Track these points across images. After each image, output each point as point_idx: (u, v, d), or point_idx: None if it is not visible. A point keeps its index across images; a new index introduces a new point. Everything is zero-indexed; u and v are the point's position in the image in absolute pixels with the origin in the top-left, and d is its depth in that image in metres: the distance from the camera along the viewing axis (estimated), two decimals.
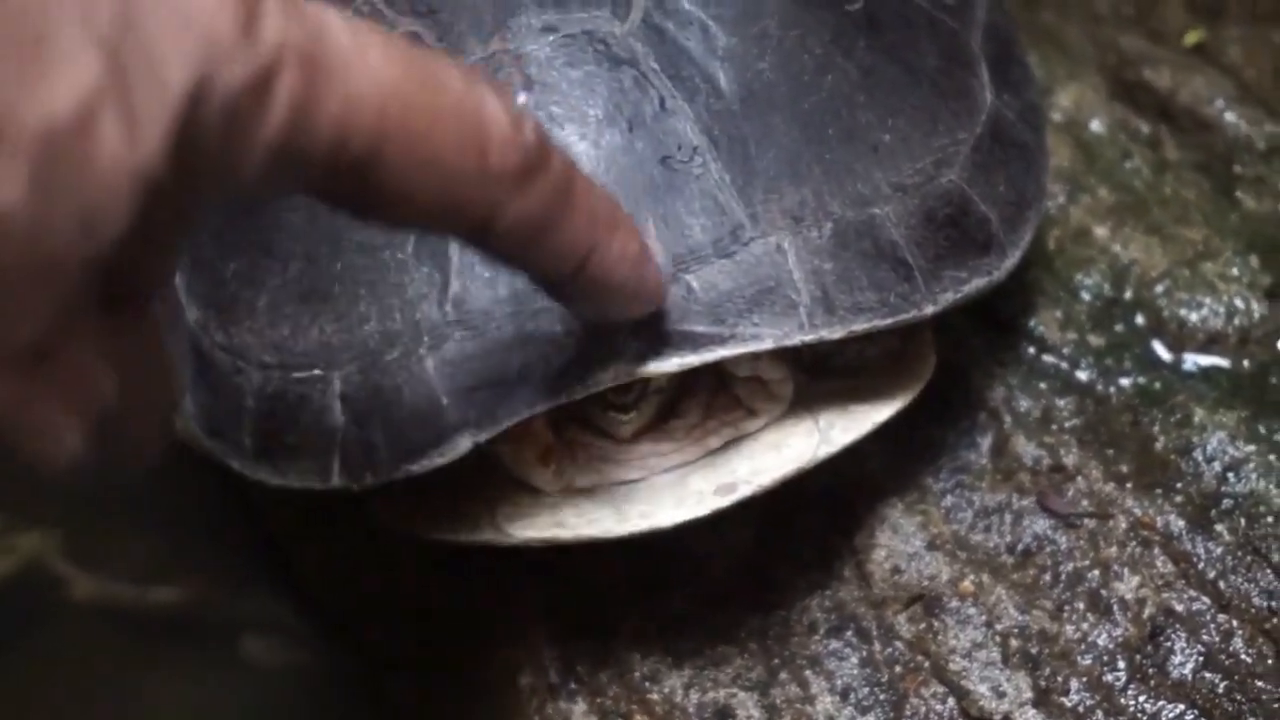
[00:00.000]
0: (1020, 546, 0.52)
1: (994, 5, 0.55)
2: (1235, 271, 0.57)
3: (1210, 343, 0.56)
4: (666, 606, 0.52)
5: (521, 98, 0.46)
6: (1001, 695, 0.49)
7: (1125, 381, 0.55)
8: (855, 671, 0.50)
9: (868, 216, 0.47)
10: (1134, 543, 0.52)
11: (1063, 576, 0.51)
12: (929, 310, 0.47)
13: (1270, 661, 0.49)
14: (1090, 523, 0.52)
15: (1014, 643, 0.50)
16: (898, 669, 0.50)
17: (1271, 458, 0.53)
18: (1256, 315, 0.57)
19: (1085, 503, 0.53)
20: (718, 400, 0.49)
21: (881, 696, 0.50)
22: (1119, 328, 0.57)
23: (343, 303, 0.46)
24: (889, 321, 0.46)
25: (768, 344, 0.45)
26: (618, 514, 0.48)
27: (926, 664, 0.50)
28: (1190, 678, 0.49)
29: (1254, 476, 0.52)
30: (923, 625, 0.51)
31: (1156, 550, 0.51)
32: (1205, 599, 0.50)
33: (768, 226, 0.46)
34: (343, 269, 0.46)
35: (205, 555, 0.58)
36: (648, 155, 0.46)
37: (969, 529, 0.53)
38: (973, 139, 0.50)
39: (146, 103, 0.27)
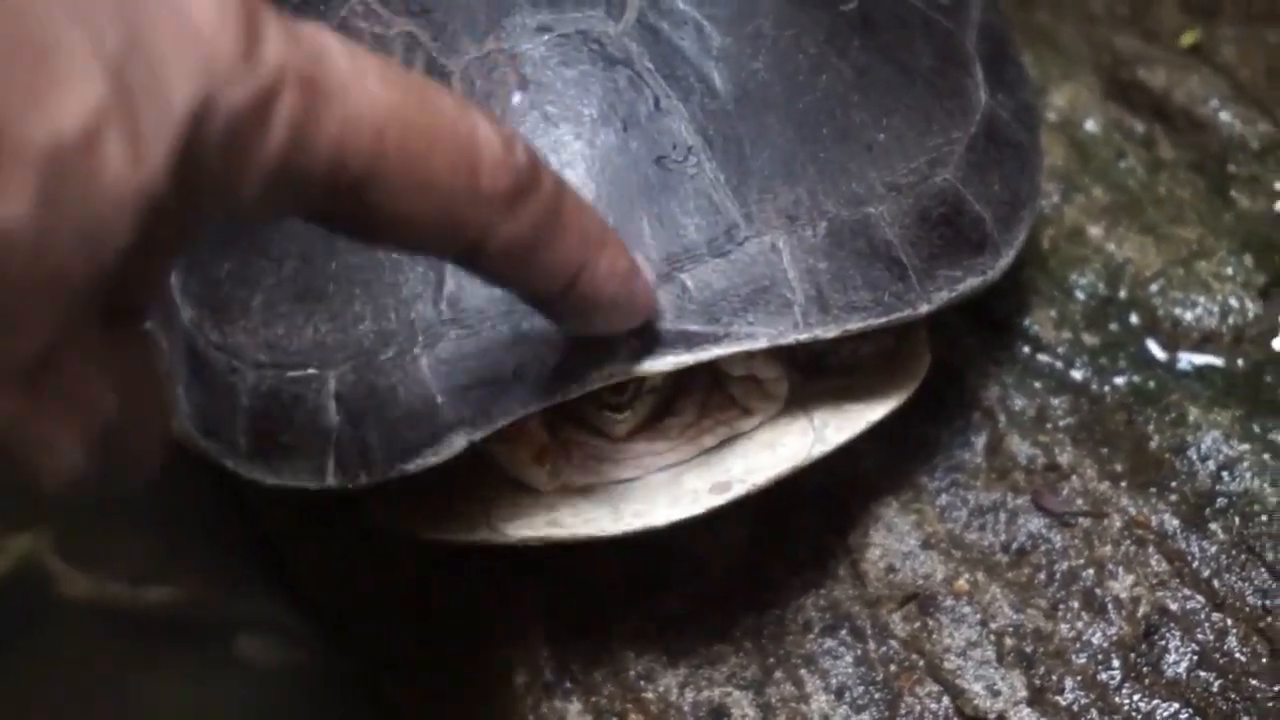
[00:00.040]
0: (1015, 545, 0.52)
1: (988, 5, 0.55)
2: (1229, 271, 0.57)
3: (1204, 342, 0.56)
4: (662, 605, 0.52)
5: (516, 97, 0.46)
6: (996, 694, 0.49)
7: (1120, 380, 0.55)
8: (850, 670, 0.50)
9: (862, 216, 0.47)
10: (1129, 541, 0.52)
11: (1057, 575, 0.51)
12: (923, 309, 0.47)
13: (1264, 660, 0.49)
14: (1085, 521, 0.52)
15: (1009, 641, 0.50)
16: (892, 668, 0.50)
17: (1266, 456, 0.53)
18: (1251, 314, 0.57)
19: (1080, 502, 0.53)
20: (713, 399, 0.49)
21: (876, 695, 0.50)
22: (1113, 327, 0.57)
23: (337, 302, 0.46)
24: (883, 320, 0.46)
25: (762, 343, 0.45)
26: (613, 513, 0.48)
27: (921, 663, 0.50)
28: (1185, 676, 0.49)
29: (1248, 475, 0.52)
30: (917, 624, 0.51)
31: (1151, 549, 0.52)
32: (1200, 598, 0.50)
33: (762, 226, 0.46)
34: (337, 268, 0.46)
35: (201, 555, 0.58)
36: (642, 155, 0.46)
37: (964, 528, 0.53)
38: (967, 138, 0.50)
39: (150, 121, 0.27)
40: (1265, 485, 0.52)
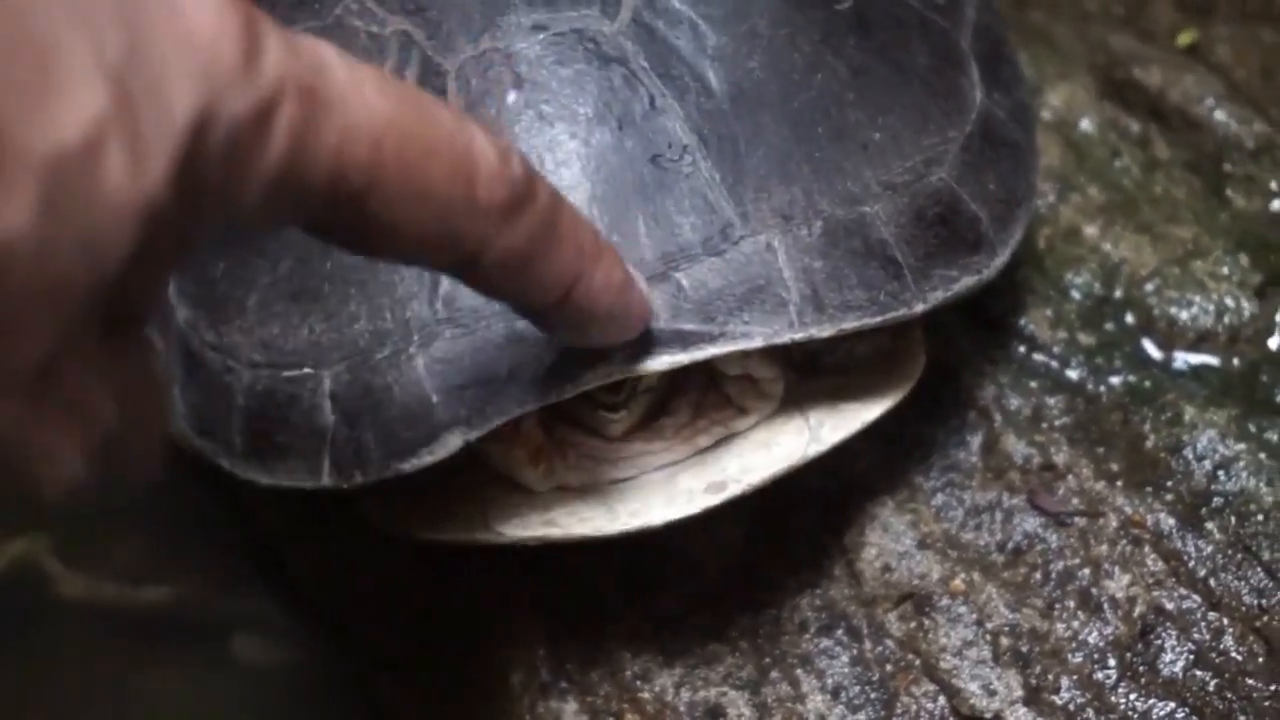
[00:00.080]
0: (1011, 545, 0.52)
1: (984, 4, 0.55)
2: (1225, 270, 0.57)
3: (1200, 341, 0.56)
4: (658, 605, 0.52)
5: (511, 96, 0.46)
6: (992, 693, 0.49)
7: (1115, 380, 0.55)
8: (846, 670, 0.50)
9: (857, 215, 0.47)
10: (1124, 541, 0.52)
11: (1053, 575, 0.51)
12: (919, 308, 0.47)
13: (1261, 659, 0.49)
14: (1081, 521, 0.52)
15: (1004, 641, 0.50)
16: (888, 667, 0.50)
17: (1262, 456, 0.53)
18: (1246, 314, 0.57)
19: (1076, 501, 0.53)
20: (708, 399, 0.49)
21: (872, 695, 0.50)
22: (1109, 326, 0.57)
23: (333, 301, 0.46)
24: (879, 320, 0.46)
25: (758, 342, 0.45)
26: (609, 513, 0.48)
27: (917, 662, 0.50)
28: (1181, 676, 0.49)
29: (1244, 474, 0.52)
30: (913, 624, 0.51)
31: (1147, 548, 0.52)
32: (1196, 597, 0.50)
33: (757, 225, 0.46)
34: (332, 268, 0.47)
35: (197, 555, 0.58)
36: (638, 154, 0.46)
37: (959, 527, 0.53)
38: (963, 138, 0.50)
39: (151, 131, 0.27)
40: (1261, 485, 0.52)
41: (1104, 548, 0.52)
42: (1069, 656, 0.50)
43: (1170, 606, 0.50)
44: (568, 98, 0.46)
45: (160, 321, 0.49)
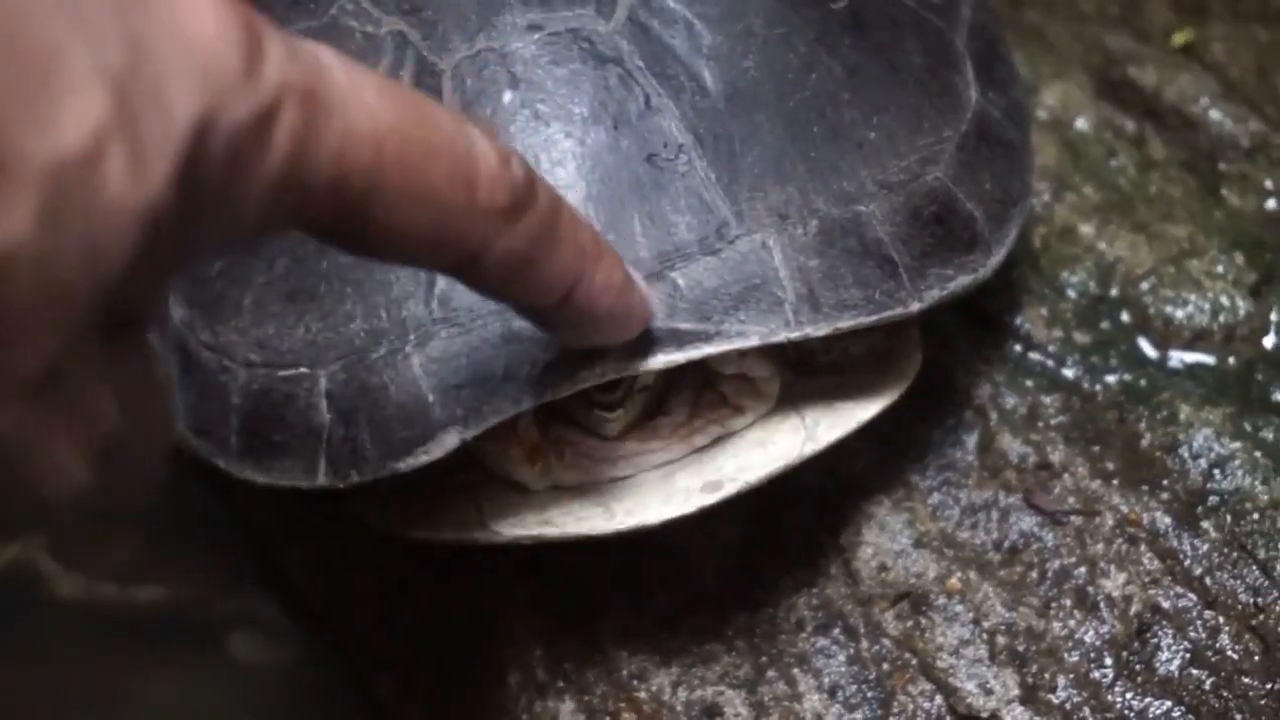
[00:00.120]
0: (1007, 544, 0.52)
1: (979, 4, 0.55)
2: (1220, 269, 0.57)
3: (1196, 340, 0.57)
4: (654, 604, 0.52)
5: (507, 96, 0.46)
6: (989, 692, 0.49)
7: (1111, 379, 0.55)
8: (843, 669, 0.50)
9: (853, 214, 0.47)
10: (1120, 540, 0.52)
11: (1049, 573, 0.51)
12: (914, 307, 0.47)
13: (1257, 658, 0.49)
14: (1077, 520, 0.52)
15: (1001, 640, 0.50)
16: (885, 666, 0.50)
17: (1257, 454, 0.53)
18: (1242, 312, 0.57)
19: (1072, 500, 0.53)
20: (704, 398, 0.49)
21: (869, 694, 0.50)
22: (1105, 325, 0.57)
23: (328, 301, 0.46)
24: (874, 319, 0.46)
25: (753, 341, 0.45)
26: (605, 512, 0.48)
27: (914, 661, 0.50)
28: (1177, 674, 0.49)
29: (1240, 473, 0.52)
30: (910, 623, 0.51)
31: (1143, 547, 0.52)
32: (1192, 596, 0.50)
33: (753, 224, 0.46)
34: (328, 267, 0.46)
35: (193, 554, 0.58)
36: (633, 153, 0.46)
37: (956, 526, 0.53)
38: (958, 137, 0.50)
39: (152, 138, 0.27)
40: (1257, 483, 0.52)
41: (1100, 546, 0.52)
42: (1065, 655, 0.50)
43: (1166, 605, 0.50)
44: (563, 97, 0.46)
45: (157, 322, 0.49)
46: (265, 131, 0.30)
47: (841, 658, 0.50)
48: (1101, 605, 0.50)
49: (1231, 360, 0.56)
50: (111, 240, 0.27)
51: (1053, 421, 0.54)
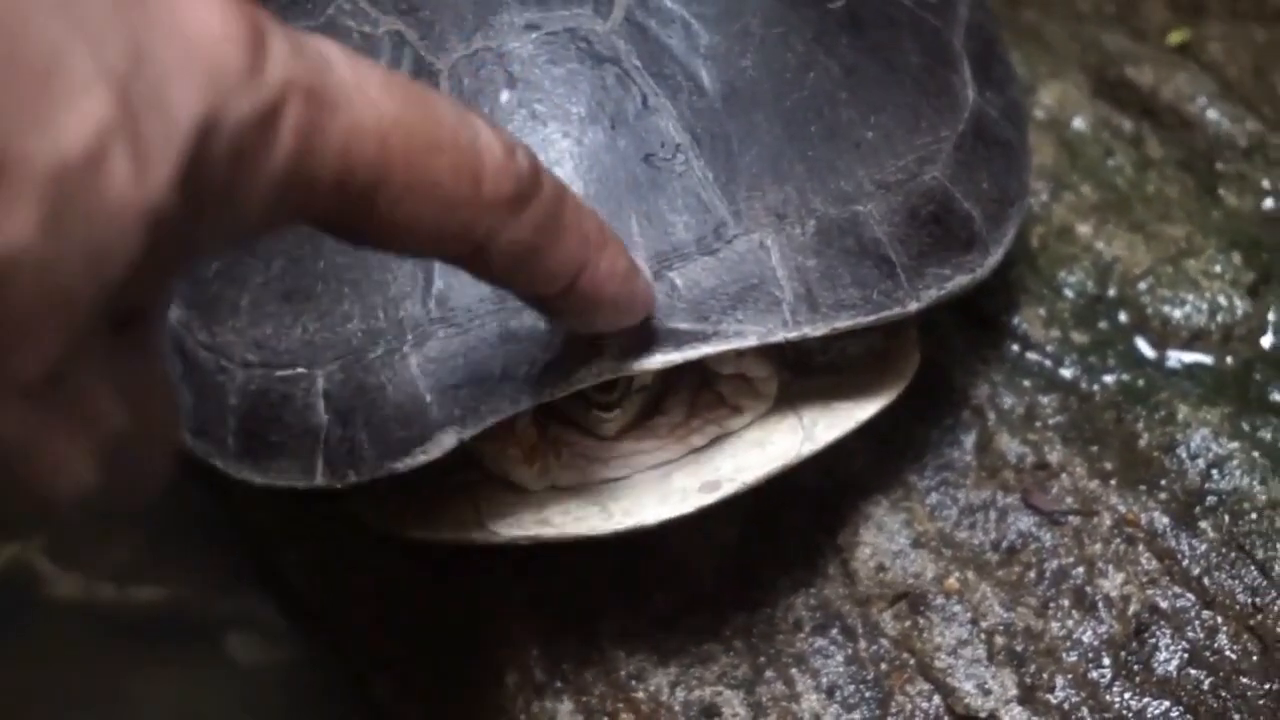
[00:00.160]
0: (1005, 544, 0.52)
1: (976, 3, 0.55)
2: (1218, 268, 0.57)
3: (1193, 340, 0.56)
4: (652, 605, 0.52)
5: (504, 95, 0.46)
6: (987, 692, 0.49)
7: (1109, 379, 0.55)
8: (841, 669, 0.50)
9: (851, 214, 0.47)
10: (1118, 540, 0.52)
11: (1047, 573, 0.51)
12: (912, 307, 0.47)
13: (1255, 658, 0.49)
14: (1075, 520, 0.52)
15: (999, 640, 0.50)
16: (883, 666, 0.50)
17: (1255, 454, 0.53)
18: (1239, 312, 0.57)
19: (1069, 500, 0.53)
20: (702, 398, 0.49)
21: (867, 694, 0.50)
22: (1102, 325, 0.57)
23: (326, 301, 0.46)
24: (872, 318, 0.46)
25: (751, 341, 0.45)
26: (603, 512, 0.48)
27: (912, 661, 0.50)
28: (1175, 674, 0.49)
29: (1238, 473, 0.52)
30: (908, 623, 0.51)
31: (1141, 547, 0.52)
32: (1190, 596, 0.50)
33: (751, 224, 0.46)
34: (325, 267, 0.46)
35: (190, 554, 0.58)
36: (630, 153, 0.46)
37: (954, 526, 0.53)
38: (955, 136, 0.50)
39: (156, 138, 0.27)
40: (1255, 483, 0.52)
41: (1098, 546, 0.52)
42: (1063, 655, 0.50)
43: (1164, 605, 0.50)
44: (560, 97, 0.46)
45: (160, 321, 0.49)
46: (269, 129, 0.29)
47: (839, 658, 0.50)
48: (1099, 605, 0.50)
49: (1229, 360, 0.56)
50: (115, 242, 0.27)
51: (1050, 421, 0.54)
